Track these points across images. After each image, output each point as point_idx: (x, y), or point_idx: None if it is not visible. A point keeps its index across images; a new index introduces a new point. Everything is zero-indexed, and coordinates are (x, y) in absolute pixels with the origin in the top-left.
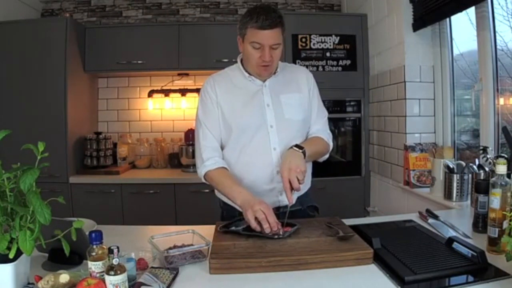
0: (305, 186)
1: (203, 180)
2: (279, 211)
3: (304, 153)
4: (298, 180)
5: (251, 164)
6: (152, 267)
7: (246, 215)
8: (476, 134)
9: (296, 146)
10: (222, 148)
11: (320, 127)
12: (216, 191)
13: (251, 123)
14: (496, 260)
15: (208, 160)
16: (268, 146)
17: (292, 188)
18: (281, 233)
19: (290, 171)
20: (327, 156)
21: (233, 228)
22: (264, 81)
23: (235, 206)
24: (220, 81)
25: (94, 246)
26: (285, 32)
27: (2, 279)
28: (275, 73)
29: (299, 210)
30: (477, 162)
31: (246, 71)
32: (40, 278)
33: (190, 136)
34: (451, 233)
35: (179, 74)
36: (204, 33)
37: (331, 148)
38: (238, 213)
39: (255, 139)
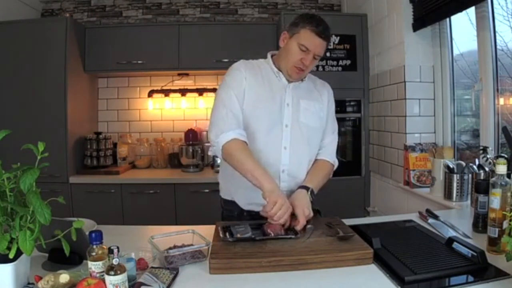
0: None
1: (219, 149)
2: None
3: (312, 194)
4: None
5: (260, 157)
6: (152, 267)
7: (273, 201)
8: (476, 134)
9: (306, 187)
10: None
11: (327, 143)
12: (221, 185)
13: (268, 117)
14: (496, 260)
15: (238, 129)
16: (279, 144)
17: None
18: (283, 232)
19: (304, 212)
20: (330, 175)
21: (239, 235)
22: (289, 82)
23: (235, 203)
24: (251, 67)
25: (94, 246)
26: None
27: (2, 279)
28: (302, 80)
29: None
30: (477, 162)
31: (276, 67)
32: (40, 278)
33: (190, 136)
34: (451, 233)
35: (179, 74)
36: (204, 33)
37: (336, 166)
38: (236, 213)
39: (269, 134)
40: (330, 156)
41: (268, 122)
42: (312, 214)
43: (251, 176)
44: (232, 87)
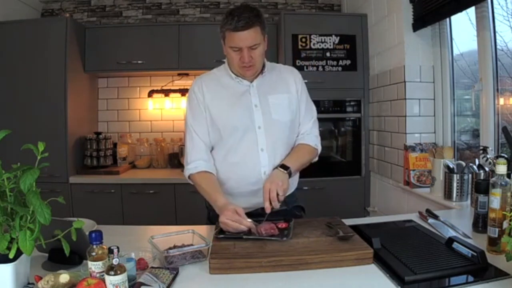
0: (291, 188)
1: (187, 179)
2: (264, 212)
3: (289, 173)
4: (277, 195)
5: (238, 164)
6: (152, 267)
7: (222, 219)
8: (476, 134)
9: (282, 166)
10: (211, 149)
11: (307, 129)
12: None
13: (239, 124)
14: (496, 260)
15: (191, 163)
16: (255, 147)
17: (270, 201)
18: (276, 232)
19: (272, 184)
20: (316, 159)
21: (229, 234)
22: (251, 81)
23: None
24: (208, 81)
25: (94, 246)
26: (265, 30)
27: (2, 279)
28: (262, 73)
29: (285, 210)
30: (477, 162)
31: (233, 72)
32: (40, 278)
33: None
34: (451, 233)
35: (179, 74)
36: (204, 33)
37: (319, 151)
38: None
39: (243, 140)
40: (310, 141)
41: (240, 127)
42: (284, 186)
43: (210, 202)
44: (190, 121)
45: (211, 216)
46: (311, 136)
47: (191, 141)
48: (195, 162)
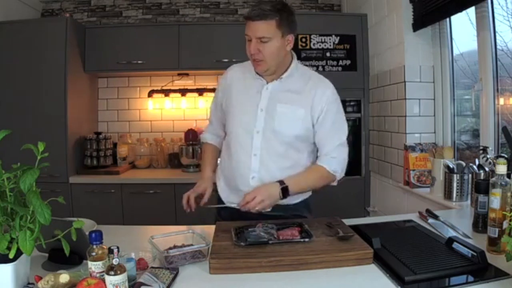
0: (297, 198)
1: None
2: (261, 214)
3: (284, 189)
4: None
5: (231, 163)
6: (152, 267)
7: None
8: (476, 134)
9: (281, 182)
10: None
11: (330, 151)
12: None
13: (241, 122)
14: (496, 260)
15: (209, 134)
16: (249, 150)
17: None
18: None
19: (258, 194)
20: (334, 184)
21: (251, 240)
22: (267, 82)
23: (230, 205)
24: (237, 71)
25: (94, 246)
26: (286, 28)
27: (2, 279)
28: (281, 78)
29: (280, 216)
30: (477, 162)
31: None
32: (40, 278)
33: (190, 136)
34: (451, 233)
35: (179, 74)
36: (204, 33)
37: (338, 176)
38: (236, 210)
39: (240, 139)
40: (329, 164)
41: (241, 127)
42: (265, 206)
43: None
44: (216, 94)
45: (222, 213)
46: (334, 160)
47: (211, 117)
48: (204, 134)
